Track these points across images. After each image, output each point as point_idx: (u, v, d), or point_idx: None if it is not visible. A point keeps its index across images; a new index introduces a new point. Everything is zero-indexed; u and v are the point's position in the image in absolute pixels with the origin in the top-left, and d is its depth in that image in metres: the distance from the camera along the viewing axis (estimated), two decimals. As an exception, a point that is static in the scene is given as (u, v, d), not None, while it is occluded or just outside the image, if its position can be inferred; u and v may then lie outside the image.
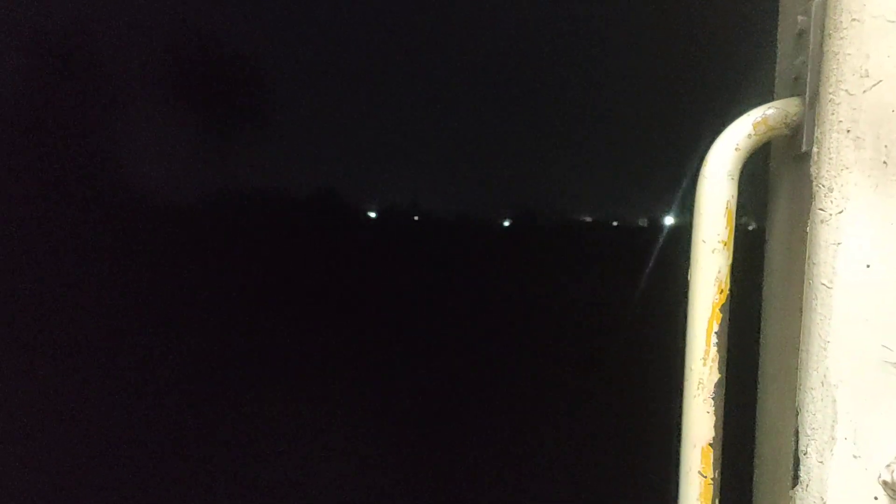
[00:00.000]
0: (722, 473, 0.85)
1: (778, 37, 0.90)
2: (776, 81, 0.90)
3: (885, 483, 0.68)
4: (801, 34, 0.82)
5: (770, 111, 0.81)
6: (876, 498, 0.68)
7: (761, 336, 0.94)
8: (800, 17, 0.83)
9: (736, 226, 0.84)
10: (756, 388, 0.94)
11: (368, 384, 8.21)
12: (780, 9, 0.90)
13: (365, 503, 5.07)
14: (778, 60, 0.90)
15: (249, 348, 9.87)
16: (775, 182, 0.90)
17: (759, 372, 0.94)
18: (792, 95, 0.83)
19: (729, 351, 0.85)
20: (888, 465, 0.67)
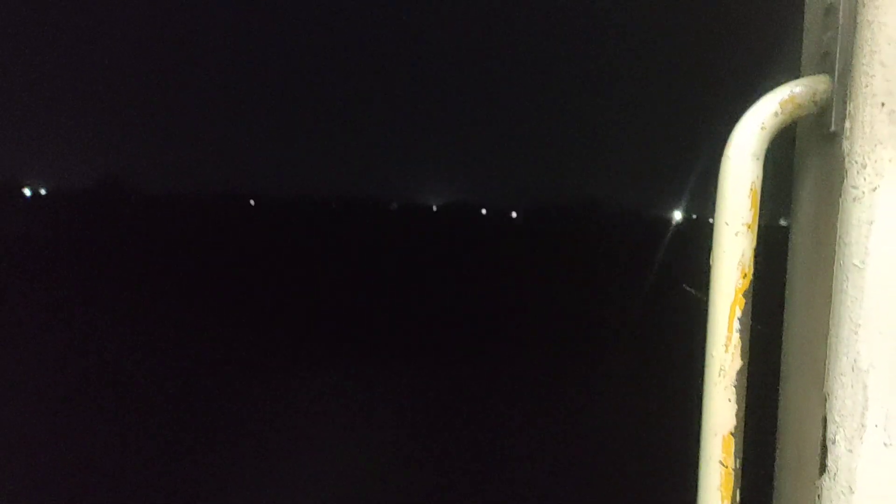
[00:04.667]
0: (743, 463, 0.83)
1: (805, 12, 0.87)
2: (803, 58, 0.86)
3: (918, 472, 0.65)
4: (830, 9, 0.79)
5: (798, 89, 0.78)
6: (908, 488, 0.66)
7: (784, 322, 0.91)
8: None
9: (760, 208, 0.81)
10: (778, 376, 0.92)
11: (371, 382, 8.21)
12: None
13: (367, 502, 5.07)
14: (804, 37, 0.86)
15: (256, 347, 9.89)
16: (801, 164, 0.87)
17: (782, 359, 0.91)
18: (819, 73, 0.80)
19: (751, 337, 0.82)
20: (922, 454, 0.65)
